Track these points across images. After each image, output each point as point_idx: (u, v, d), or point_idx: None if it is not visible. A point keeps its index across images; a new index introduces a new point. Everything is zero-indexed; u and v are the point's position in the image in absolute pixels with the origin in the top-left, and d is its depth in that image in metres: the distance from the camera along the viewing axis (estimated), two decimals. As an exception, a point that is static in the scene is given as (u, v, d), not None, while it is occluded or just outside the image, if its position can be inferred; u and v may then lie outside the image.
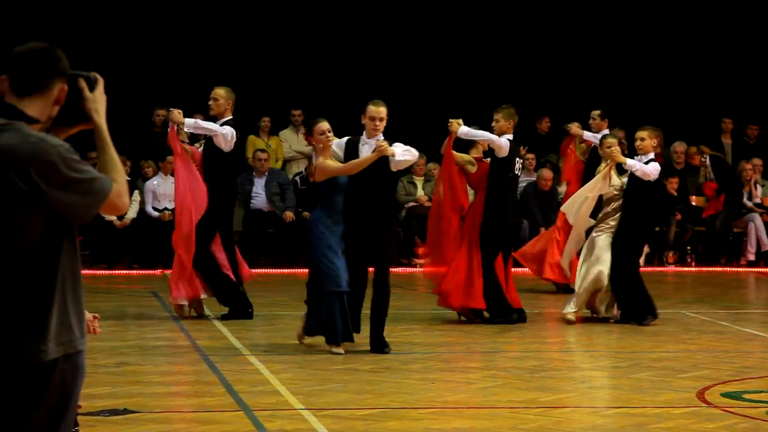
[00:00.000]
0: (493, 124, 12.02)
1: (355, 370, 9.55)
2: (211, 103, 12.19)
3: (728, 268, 18.16)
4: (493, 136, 11.86)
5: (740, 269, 18.12)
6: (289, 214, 17.94)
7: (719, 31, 20.54)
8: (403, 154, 10.12)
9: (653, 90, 20.17)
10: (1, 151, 3.78)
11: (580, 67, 20.23)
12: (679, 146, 18.99)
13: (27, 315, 3.81)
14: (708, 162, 19.26)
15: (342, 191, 10.12)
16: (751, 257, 18.31)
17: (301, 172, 18.57)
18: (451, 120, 11.92)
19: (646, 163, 11.86)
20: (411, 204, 18.27)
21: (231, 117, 12.13)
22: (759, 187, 18.69)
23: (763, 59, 20.34)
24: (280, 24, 20.15)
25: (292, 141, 19.11)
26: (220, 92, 12.17)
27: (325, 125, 10.21)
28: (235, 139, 12.07)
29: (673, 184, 18.33)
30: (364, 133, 10.29)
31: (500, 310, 11.89)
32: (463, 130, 11.76)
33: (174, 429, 7.41)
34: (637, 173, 11.78)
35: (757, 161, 18.83)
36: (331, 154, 10.25)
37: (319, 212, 10.19)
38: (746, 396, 8.64)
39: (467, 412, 7.86)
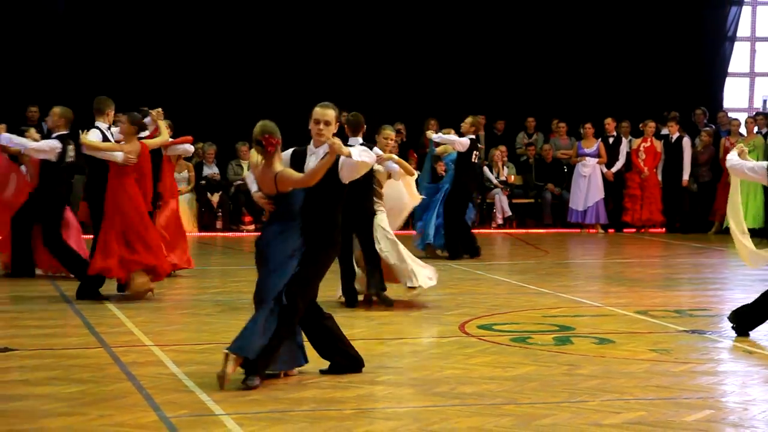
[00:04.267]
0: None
1: (195, 314, 9.64)
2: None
3: (483, 230, 18.80)
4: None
5: (492, 230, 18.87)
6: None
7: (467, 27, 20.18)
8: (360, 154, 6.82)
9: (422, 85, 19.83)
10: None
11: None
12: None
13: None
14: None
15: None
16: (500, 221, 19.21)
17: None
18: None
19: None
20: (239, 182, 18.04)
21: None
22: (505, 168, 19.60)
23: (508, 60, 20.23)
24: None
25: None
26: None
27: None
28: None
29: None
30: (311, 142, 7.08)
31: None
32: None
33: (46, 363, 7.39)
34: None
35: (503, 148, 19.70)
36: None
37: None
38: (496, 327, 8.95)
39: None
